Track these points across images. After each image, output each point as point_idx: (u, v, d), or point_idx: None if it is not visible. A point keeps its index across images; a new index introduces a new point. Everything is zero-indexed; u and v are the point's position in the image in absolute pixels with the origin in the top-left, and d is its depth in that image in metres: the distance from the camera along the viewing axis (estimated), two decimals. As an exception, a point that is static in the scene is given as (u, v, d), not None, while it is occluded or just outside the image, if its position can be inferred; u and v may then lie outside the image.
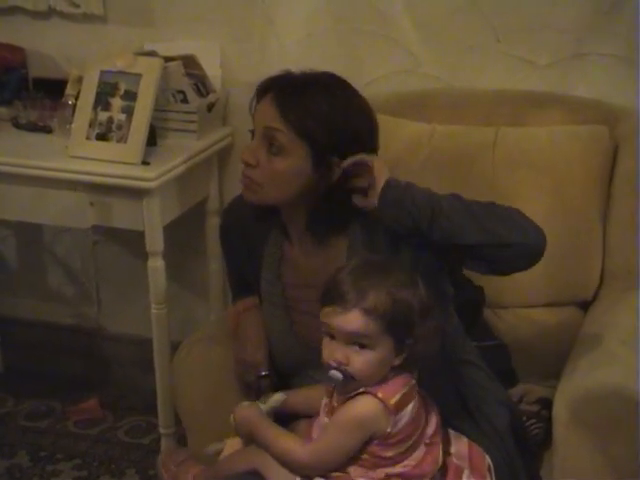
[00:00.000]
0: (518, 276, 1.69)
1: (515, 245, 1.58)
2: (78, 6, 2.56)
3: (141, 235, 2.24)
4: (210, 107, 2.40)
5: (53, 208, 2.28)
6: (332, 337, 1.49)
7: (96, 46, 2.53)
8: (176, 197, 2.34)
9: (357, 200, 1.65)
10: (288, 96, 1.63)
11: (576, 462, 1.64)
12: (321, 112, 1.62)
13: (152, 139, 2.27)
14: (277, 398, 1.69)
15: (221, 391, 1.84)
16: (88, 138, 2.24)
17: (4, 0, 2.61)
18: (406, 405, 1.50)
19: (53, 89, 2.46)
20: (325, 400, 1.57)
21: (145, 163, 2.20)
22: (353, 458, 1.50)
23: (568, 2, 2.19)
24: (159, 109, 2.29)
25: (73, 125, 2.27)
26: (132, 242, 2.61)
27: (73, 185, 2.23)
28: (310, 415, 1.64)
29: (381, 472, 1.50)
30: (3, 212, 2.38)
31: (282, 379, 1.81)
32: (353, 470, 1.51)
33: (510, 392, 1.89)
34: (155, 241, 2.25)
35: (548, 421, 1.75)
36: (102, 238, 2.80)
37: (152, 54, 2.32)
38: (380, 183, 1.61)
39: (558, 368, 1.82)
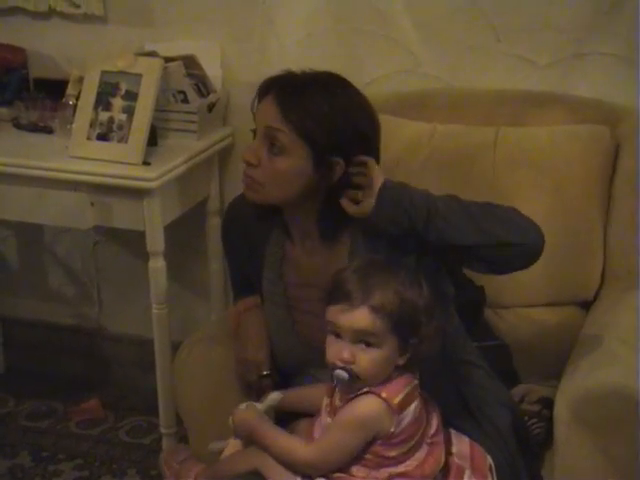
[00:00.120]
0: (519, 276, 1.69)
1: (513, 245, 1.59)
2: (79, 6, 2.56)
3: (142, 235, 2.24)
4: (210, 107, 2.40)
5: (54, 208, 2.27)
6: (337, 336, 1.50)
7: (97, 46, 2.53)
8: (177, 197, 2.34)
9: (347, 207, 1.65)
10: (289, 96, 1.63)
11: (577, 462, 1.64)
12: (321, 113, 1.62)
13: (153, 139, 2.27)
14: (274, 397, 1.69)
15: (222, 391, 1.84)
16: (89, 138, 2.24)
17: (5, 0, 2.61)
18: (409, 405, 1.51)
19: (54, 89, 2.46)
20: (326, 400, 1.58)
21: (146, 163, 2.20)
22: (356, 458, 1.50)
23: (568, 2, 2.19)
24: (160, 109, 2.29)
25: (74, 125, 2.27)
26: (133, 242, 2.61)
27: (74, 185, 2.23)
28: (310, 414, 1.64)
29: (384, 472, 1.50)
30: (4, 212, 2.38)
31: (284, 379, 1.81)
32: (356, 470, 1.51)
33: (511, 392, 1.89)
34: (156, 241, 2.25)
35: (549, 421, 1.75)
36: (103, 238, 2.80)
37: (153, 54, 2.32)
38: (377, 184, 1.61)
39: (559, 368, 1.82)
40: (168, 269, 2.29)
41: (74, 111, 2.31)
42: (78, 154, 2.23)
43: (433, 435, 1.55)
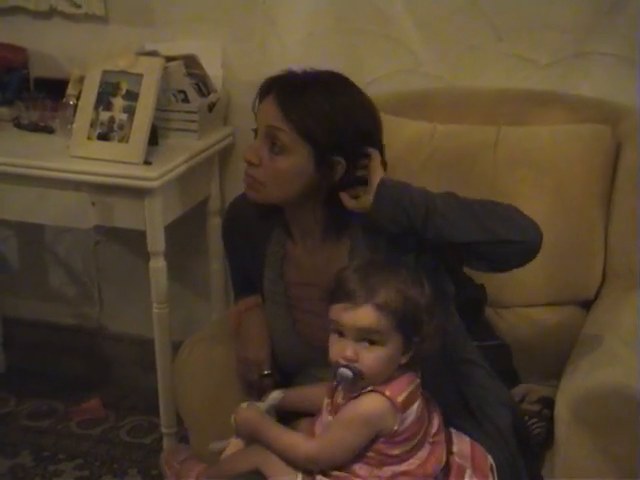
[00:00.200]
0: (519, 275, 1.69)
1: (512, 242, 1.58)
2: (79, 6, 2.56)
3: (143, 235, 2.24)
4: (211, 107, 2.40)
5: (55, 208, 2.28)
6: (340, 334, 1.50)
7: (97, 46, 2.53)
8: (177, 197, 2.34)
9: (346, 201, 1.65)
10: (290, 95, 1.63)
11: (577, 461, 1.64)
12: (322, 112, 1.62)
13: (154, 139, 2.27)
14: (275, 396, 1.69)
15: (223, 391, 1.84)
16: (90, 138, 2.24)
17: (5, 0, 2.61)
18: (412, 403, 1.51)
19: (54, 89, 2.46)
20: (327, 400, 1.58)
21: (147, 163, 2.20)
22: (359, 456, 1.50)
23: (569, 1, 2.19)
24: (160, 109, 2.29)
25: (74, 125, 2.27)
26: (134, 242, 2.61)
27: (75, 185, 2.23)
28: (311, 412, 1.64)
29: (387, 470, 1.51)
30: (5, 212, 2.38)
31: (285, 378, 1.81)
32: (359, 468, 1.51)
33: (512, 392, 1.89)
34: (157, 241, 2.25)
35: (550, 420, 1.75)
36: (104, 238, 2.80)
37: (153, 54, 2.32)
38: (375, 180, 1.61)
39: (559, 368, 1.81)
40: (169, 269, 2.29)
41: (75, 111, 2.31)
42: (79, 154, 2.24)
43: (435, 434, 1.56)
